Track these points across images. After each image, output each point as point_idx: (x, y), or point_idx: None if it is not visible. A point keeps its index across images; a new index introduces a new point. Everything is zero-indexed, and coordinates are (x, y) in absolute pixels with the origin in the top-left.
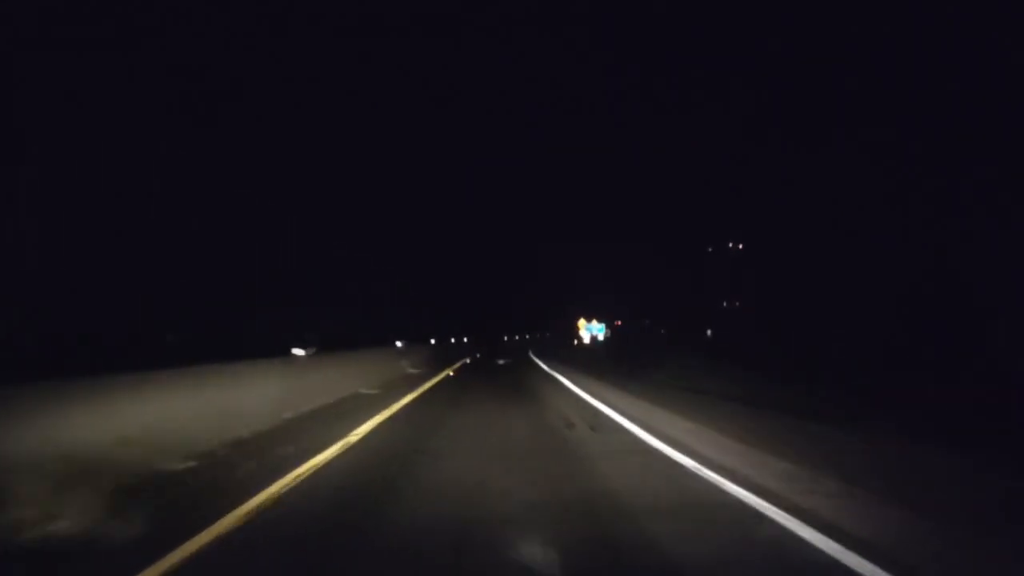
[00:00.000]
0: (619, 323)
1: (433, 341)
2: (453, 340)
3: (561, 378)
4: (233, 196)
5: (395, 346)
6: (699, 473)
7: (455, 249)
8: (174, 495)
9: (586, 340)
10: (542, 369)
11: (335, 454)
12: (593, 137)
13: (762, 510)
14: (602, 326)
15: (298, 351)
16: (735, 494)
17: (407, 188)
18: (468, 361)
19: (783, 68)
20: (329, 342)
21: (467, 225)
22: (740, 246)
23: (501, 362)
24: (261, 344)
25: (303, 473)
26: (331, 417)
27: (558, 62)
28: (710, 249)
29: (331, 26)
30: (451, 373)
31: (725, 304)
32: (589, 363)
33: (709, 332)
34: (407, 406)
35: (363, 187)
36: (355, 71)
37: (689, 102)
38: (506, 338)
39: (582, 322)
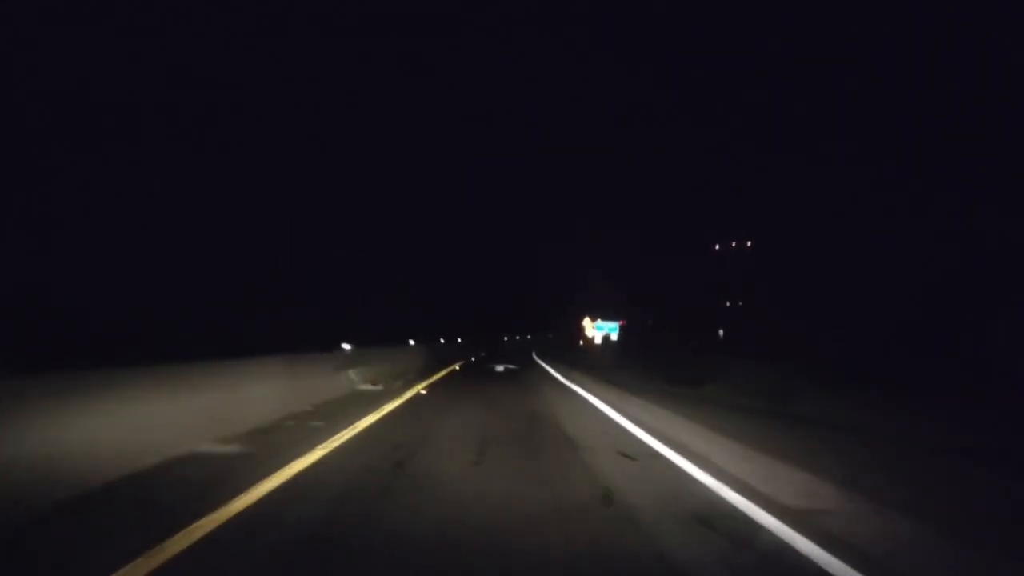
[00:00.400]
0: (623, 322)
1: (413, 342)
2: (443, 340)
3: (593, 399)
4: (233, 196)
5: (341, 350)
6: None
7: (455, 249)
8: None
9: (597, 341)
10: (557, 381)
11: None
12: (593, 137)
13: None
14: (615, 325)
15: None
16: None
17: (407, 188)
18: (457, 368)
19: (783, 68)
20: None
21: (467, 225)
22: (748, 243)
23: (500, 369)
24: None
25: None
26: None
27: (558, 62)
28: (717, 247)
29: (331, 26)
30: (423, 391)
31: (728, 304)
32: (609, 370)
33: (721, 332)
34: (248, 516)
35: (363, 187)
36: (355, 71)
37: (689, 102)
38: (506, 338)
39: (588, 321)
